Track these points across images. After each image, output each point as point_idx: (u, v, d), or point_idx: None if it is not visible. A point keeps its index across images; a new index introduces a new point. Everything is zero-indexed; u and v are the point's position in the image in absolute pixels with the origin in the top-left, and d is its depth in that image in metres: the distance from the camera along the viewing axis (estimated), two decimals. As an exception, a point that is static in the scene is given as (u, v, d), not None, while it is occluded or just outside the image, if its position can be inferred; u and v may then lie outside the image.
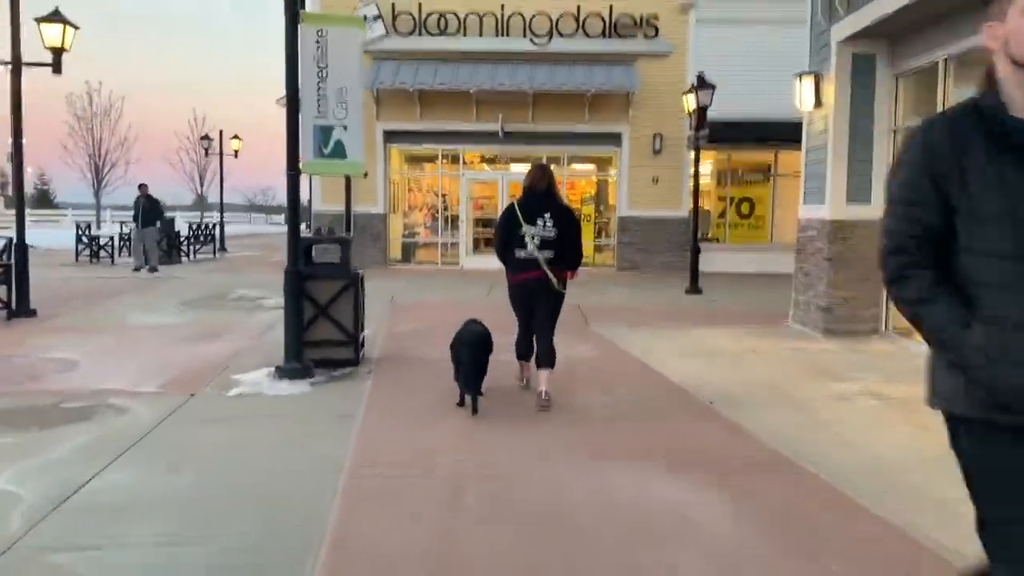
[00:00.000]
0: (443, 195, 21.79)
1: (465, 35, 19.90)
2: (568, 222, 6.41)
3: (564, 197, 7.87)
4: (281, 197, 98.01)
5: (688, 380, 7.42)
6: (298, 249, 7.41)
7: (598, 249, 21.81)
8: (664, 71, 19.97)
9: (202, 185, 43.03)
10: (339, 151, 7.49)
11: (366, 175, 9.89)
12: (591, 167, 22.16)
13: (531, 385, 6.88)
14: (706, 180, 21.50)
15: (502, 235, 6.45)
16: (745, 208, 21.52)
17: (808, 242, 10.52)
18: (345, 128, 7.51)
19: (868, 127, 9.83)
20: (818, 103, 10.34)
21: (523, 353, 6.87)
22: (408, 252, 21.61)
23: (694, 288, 15.65)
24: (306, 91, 7.36)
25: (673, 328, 10.73)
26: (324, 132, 7.46)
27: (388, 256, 20.82)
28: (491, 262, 20.40)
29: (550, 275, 6.30)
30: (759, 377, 7.63)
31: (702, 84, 15.19)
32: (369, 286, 9.18)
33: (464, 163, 21.14)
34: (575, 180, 21.60)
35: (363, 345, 8.33)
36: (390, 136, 20.58)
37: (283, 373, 7.31)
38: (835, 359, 8.55)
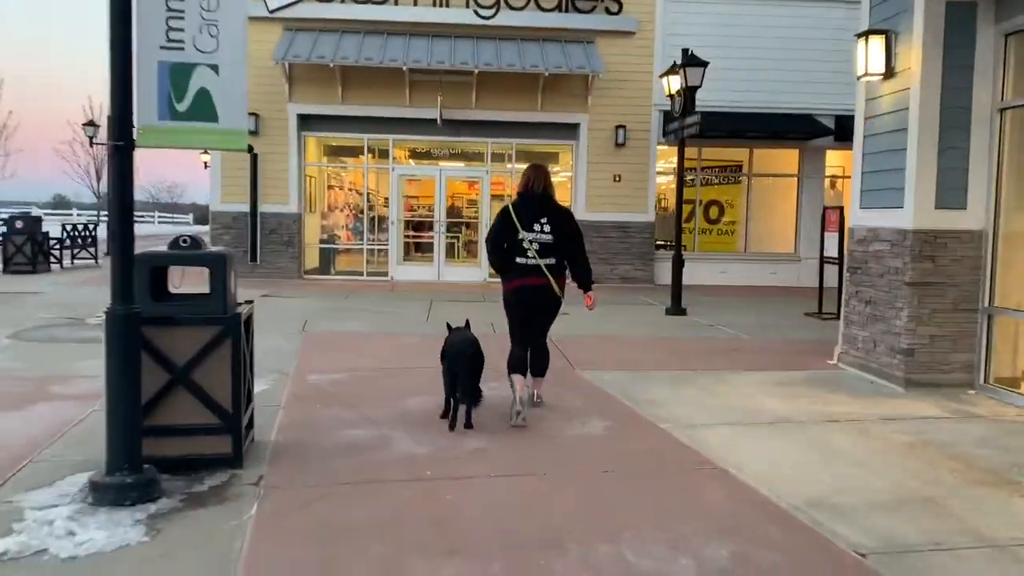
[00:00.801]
0: (370, 193, 18.58)
1: (397, 3, 16.78)
2: (567, 226, 6.05)
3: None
4: (193, 194, 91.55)
5: (779, 488, 4.57)
6: (130, 275, 4.25)
7: (549, 257, 18.96)
8: (628, 52, 17.25)
9: (98, 181, 38.51)
10: (204, 108, 4.34)
11: (252, 151, 6.75)
12: (544, 163, 19.29)
13: (531, 403, 6.36)
14: (665, 180, 18.92)
15: (497, 240, 6.08)
16: (714, 212, 18.99)
17: (872, 259, 7.83)
18: (215, 71, 4.38)
19: (964, 104, 7.18)
20: (889, 72, 7.65)
21: (519, 366, 6.12)
22: (327, 260, 18.29)
23: (677, 308, 12.93)
24: (144, 2, 4.23)
25: (684, 372, 7.94)
26: (177, 75, 4.31)
27: (303, 265, 17.49)
28: (425, 272, 16.87)
29: (553, 283, 6.00)
30: (882, 479, 4.82)
31: (691, 61, 12.46)
32: (276, 307, 6.41)
33: (395, 156, 17.99)
34: (523, 178, 18.68)
35: (250, 426, 5.21)
36: (306, 122, 17.28)
37: (101, 495, 4.17)
38: (964, 437, 5.83)
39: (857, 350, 8.07)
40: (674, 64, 13.10)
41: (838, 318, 12.55)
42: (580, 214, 17.28)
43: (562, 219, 6.03)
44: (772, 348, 9.68)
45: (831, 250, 12.88)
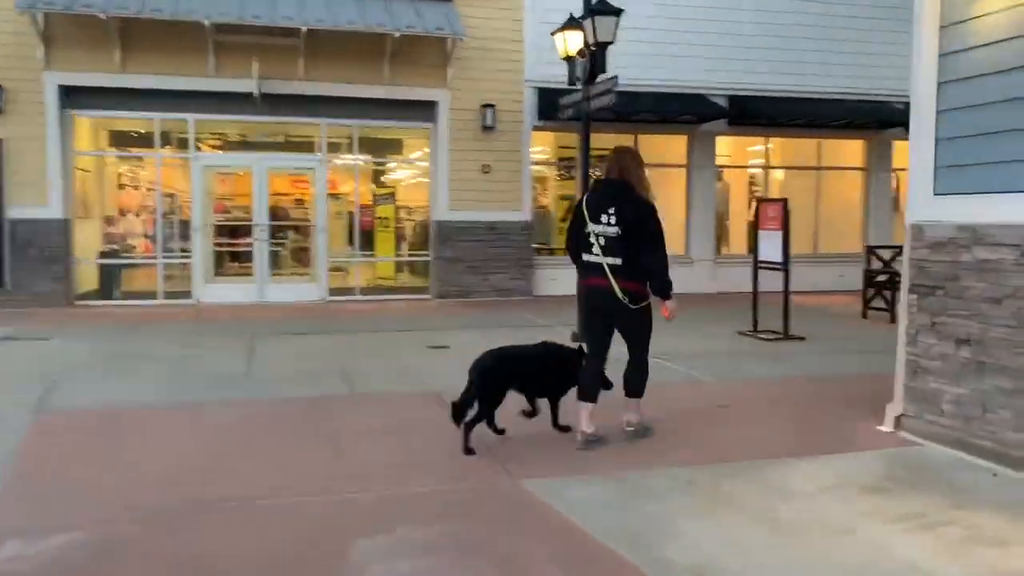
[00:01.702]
0: (166, 191, 14.30)
1: (195, -62, 12.74)
2: (635, 218, 5.10)
3: (644, 189, 5.31)
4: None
5: None
6: None
7: (406, 269, 15.47)
8: (494, 16, 14.06)
9: None
10: None
11: None
12: (394, 151, 15.78)
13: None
14: (544, 171, 15.93)
15: (569, 234, 5.45)
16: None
17: (970, 274, 5.02)
18: None
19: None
20: (990, -20, 4.86)
21: (589, 391, 5.24)
22: (110, 281, 13.80)
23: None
24: None
25: (689, 466, 4.82)
26: None
27: (73, 289, 13.03)
28: (244, 291, 12.48)
29: (615, 287, 5.07)
30: None
31: (601, 8, 9.41)
32: (13, 357, 3.68)
33: (197, 142, 13.89)
34: (370, 168, 15.07)
35: None
36: (72, 96, 12.85)
37: None
38: None
39: (939, 414, 5.23)
40: (571, 17, 10.02)
41: (786, 338, 9.92)
42: (441, 213, 14.02)
43: (633, 210, 5.14)
44: (761, 399, 6.78)
45: (770, 253, 10.28)
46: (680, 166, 15.95)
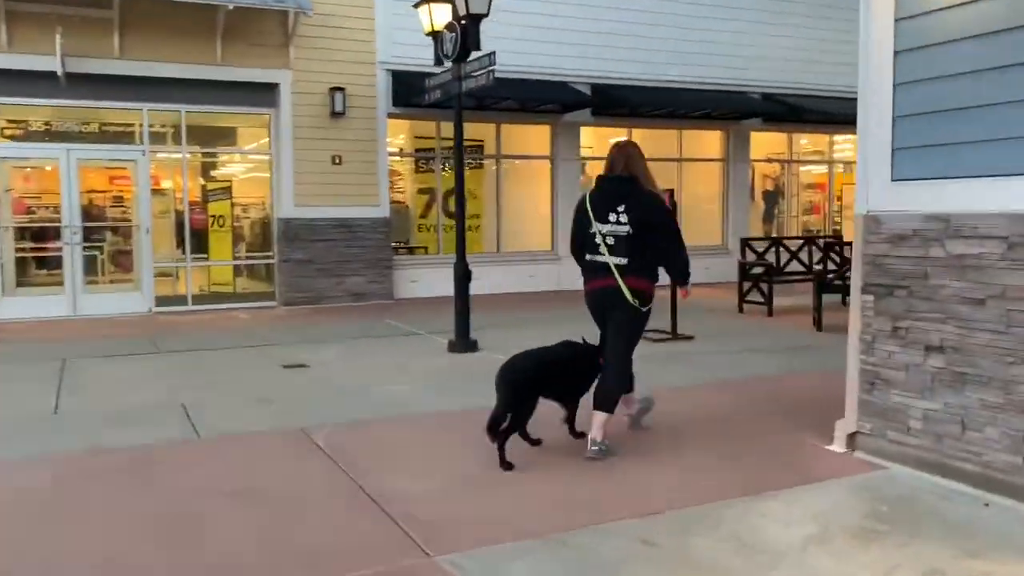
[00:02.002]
0: (-50, 188, 12.02)
1: None
2: (648, 214, 4.86)
3: (650, 183, 5.03)
4: None
5: None
6: None
7: (246, 273, 13.81)
8: (343, -10, 12.74)
9: None
10: None
11: None
12: (228, 140, 14.05)
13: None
14: (401, 163, 14.71)
15: (573, 234, 5.14)
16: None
17: (943, 271, 4.34)
18: None
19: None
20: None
21: (609, 401, 4.93)
22: None
23: (465, 342, 8.85)
24: None
25: (642, 516, 3.89)
26: None
27: None
28: (53, 304, 9.97)
29: (622, 285, 4.80)
30: None
31: (472, -25, 8.37)
32: None
33: (-11, 129, 11.76)
34: (200, 160, 13.30)
35: None
36: None
37: None
38: None
39: (904, 432, 4.54)
40: (438, -15, 8.92)
41: (675, 337, 9.17)
42: (286, 210, 12.59)
43: (645, 206, 4.83)
44: (685, 414, 5.97)
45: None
46: (543, 158, 15.18)
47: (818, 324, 9.98)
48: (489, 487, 4.42)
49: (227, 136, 14.02)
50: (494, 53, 8.45)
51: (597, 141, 16.01)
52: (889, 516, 3.94)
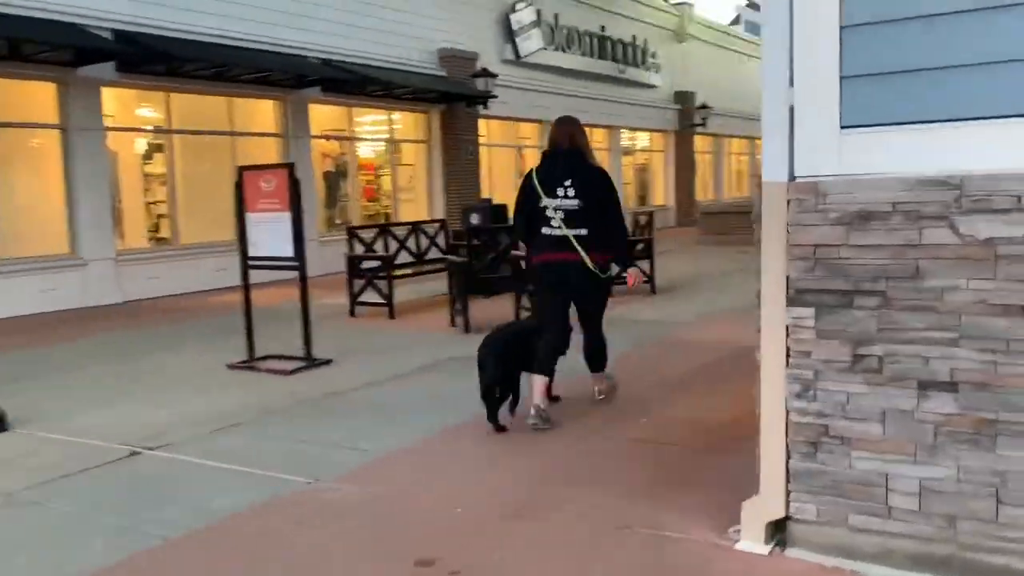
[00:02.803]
0: None
1: None
2: (594, 187, 5.02)
3: (592, 158, 5.29)
4: None
5: None
6: None
7: None
8: None
9: None
10: None
11: None
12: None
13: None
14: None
15: (519, 209, 5.21)
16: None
17: (930, 266, 2.81)
18: None
19: None
20: None
21: (543, 364, 4.95)
22: None
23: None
24: None
25: None
26: None
27: None
28: None
29: (584, 256, 4.91)
30: None
31: None
32: None
33: None
34: None
35: None
36: None
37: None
38: None
39: (885, 515, 2.95)
40: None
41: (311, 363, 6.70)
42: None
43: (590, 180, 5.04)
44: (419, 514, 3.74)
45: (266, 246, 7.05)
46: (50, 126, 11.14)
47: (465, 324, 8.32)
48: None
49: None
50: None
51: (122, 108, 12.39)
52: None
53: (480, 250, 8.73)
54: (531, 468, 4.29)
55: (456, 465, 4.44)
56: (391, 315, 9.36)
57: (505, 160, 20.31)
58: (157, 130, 12.80)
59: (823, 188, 2.95)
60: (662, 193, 27.07)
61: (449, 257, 9.36)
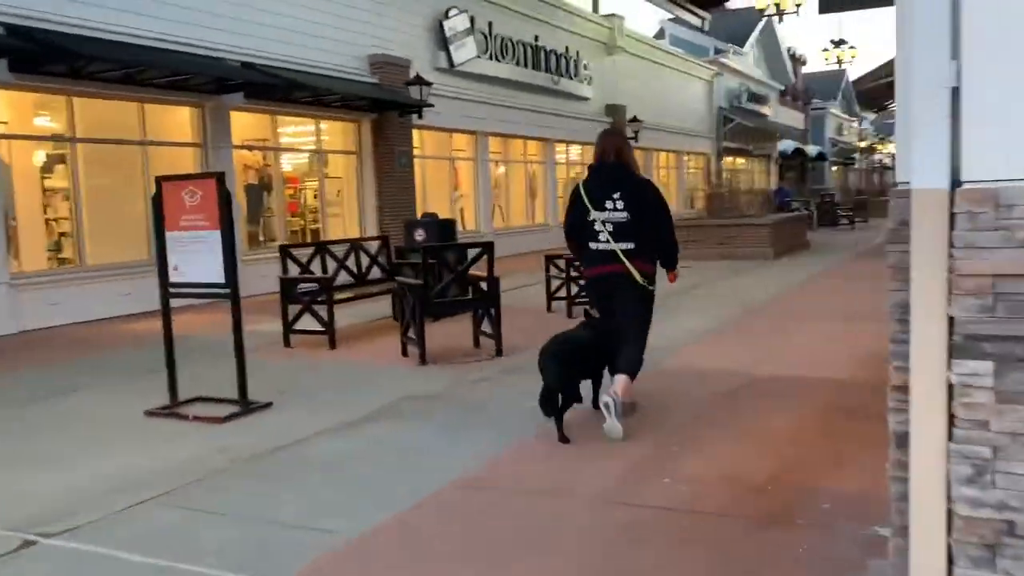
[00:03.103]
0: None
1: None
2: (643, 200, 5.08)
3: (637, 169, 5.31)
4: None
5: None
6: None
7: None
8: None
9: None
10: None
11: None
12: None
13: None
14: None
15: (570, 224, 5.26)
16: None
17: None
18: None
19: None
20: None
21: (634, 365, 5.01)
22: None
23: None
24: None
25: None
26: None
27: None
28: None
29: (632, 269, 4.99)
30: None
31: None
32: None
33: None
34: None
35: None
36: None
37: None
38: None
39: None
40: None
41: (246, 409, 5.51)
42: None
43: (640, 192, 5.09)
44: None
45: (191, 271, 5.98)
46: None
47: (421, 355, 7.35)
48: None
49: None
50: None
51: (17, 114, 11.02)
52: None
53: (431, 270, 7.79)
54: (546, 569, 3.38)
55: (450, 546, 3.49)
56: (332, 344, 8.33)
57: (438, 173, 19.37)
58: (58, 139, 11.41)
59: (1007, 197, 2.15)
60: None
61: (401, 279, 8.36)
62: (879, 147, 58.38)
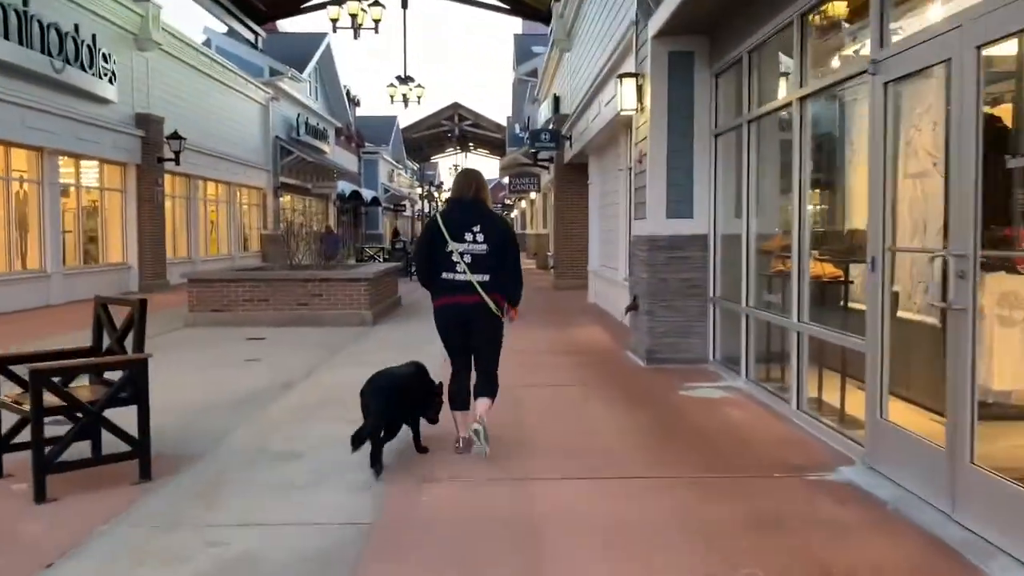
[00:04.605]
0: None
1: None
2: (501, 235, 5.37)
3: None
4: None
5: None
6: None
7: None
8: None
9: None
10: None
11: None
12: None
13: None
14: None
15: (424, 253, 5.44)
16: None
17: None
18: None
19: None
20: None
21: (460, 400, 5.40)
22: None
23: None
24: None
25: None
26: None
27: None
28: None
29: (487, 300, 5.26)
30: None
31: None
32: None
33: None
34: None
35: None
36: None
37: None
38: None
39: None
40: None
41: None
42: None
43: (499, 227, 5.39)
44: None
45: None
46: None
47: None
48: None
49: None
50: None
51: None
52: None
53: None
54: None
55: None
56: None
57: None
58: None
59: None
60: (119, 247, 20.20)
61: None
62: (434, 195, 59.00)
